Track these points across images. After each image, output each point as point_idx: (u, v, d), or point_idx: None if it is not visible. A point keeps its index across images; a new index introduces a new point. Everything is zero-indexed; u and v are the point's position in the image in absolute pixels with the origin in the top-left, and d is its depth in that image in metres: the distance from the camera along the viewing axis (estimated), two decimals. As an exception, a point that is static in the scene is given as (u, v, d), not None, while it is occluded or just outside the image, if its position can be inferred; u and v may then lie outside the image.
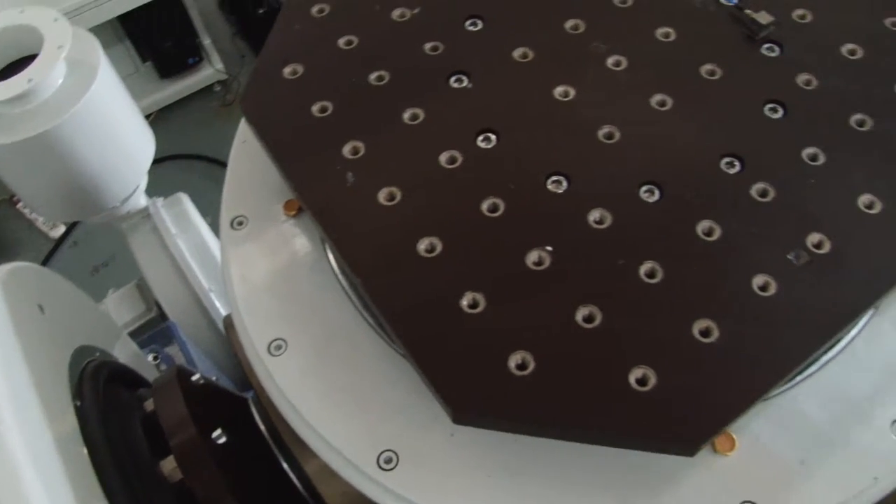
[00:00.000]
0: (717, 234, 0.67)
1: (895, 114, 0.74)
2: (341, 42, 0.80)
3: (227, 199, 0.82)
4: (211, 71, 3.10)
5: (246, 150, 0.84)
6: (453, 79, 0.77)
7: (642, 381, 0.60)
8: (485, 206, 0.68)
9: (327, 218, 0.69)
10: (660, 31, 0.80)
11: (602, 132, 0.72)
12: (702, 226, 0.67)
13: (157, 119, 3.05)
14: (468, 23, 0.81)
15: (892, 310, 0.72)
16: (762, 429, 0.67)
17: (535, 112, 0.74)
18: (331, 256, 0.76)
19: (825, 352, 0.70)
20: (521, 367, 0.61)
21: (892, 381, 0.69)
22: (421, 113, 0.74)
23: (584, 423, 0.60)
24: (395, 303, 0.65)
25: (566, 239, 0.66)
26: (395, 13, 0.82)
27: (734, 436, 0.66)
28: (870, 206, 0.68)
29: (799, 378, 0.69)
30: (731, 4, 0.81)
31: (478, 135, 0.73)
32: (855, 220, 0.68)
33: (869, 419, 0.68)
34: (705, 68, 0.77)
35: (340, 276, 0.75)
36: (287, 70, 0.78)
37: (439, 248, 0.66)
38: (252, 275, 0.77)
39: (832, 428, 0.67)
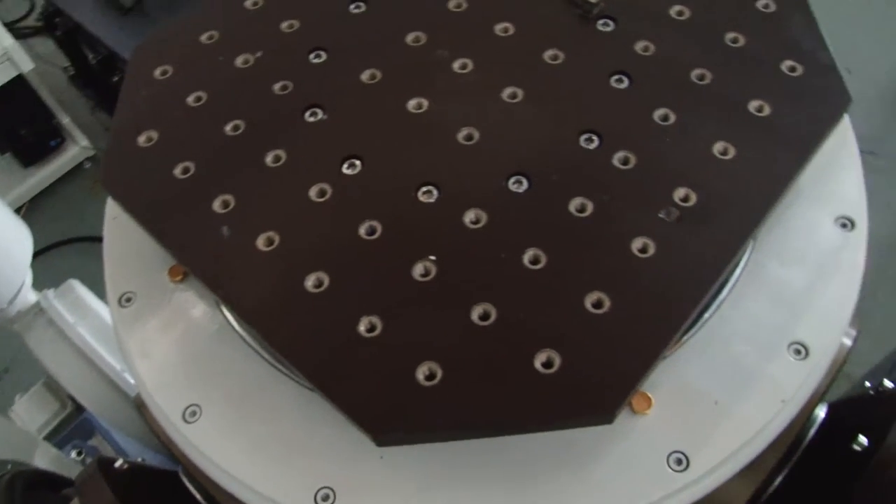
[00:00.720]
0: (590, 208, 0.69)
1: (730, 63, 0.78)
2: (190, 100, 0.80)
3: (109, 278, 0.80)
4: (76, 149, 3.03)
5: (119, 225, 0.83)
6: (308, 114, 0.77)
7: (548, 364, 0.62)
8: (362, 230, 0.69)
9: (212, 276, 0.69)
10: (498, 28, 0.82)
11: (461, 135, 0.74)
12: (574, 204, 0.69)
13: (29, 210, 2.96)
14: (312, 56, 0.82)
15: (769, 243, 0.76)
16: (673, 381, 0.70)
17: (394, 129, 0.75)
18: (227, 313, 0.75)
19: (715, 296, 0.73)
20: (430, 377, 0.62)
21: (781, 310, 0.73)
22: (283, 154, 0.74)
23: (501, 418, 0.61)
24: (296, 344, 0.65)
25: (447, 245, 0.68)
26: (239, 61, 0.82)
27: (649, 394, 0.69)
28: (724, 153, 0.72)
29: (696, 327, 0.72)
30: (559, -11, 0.84)
31: (342, 163, 0.73)
32: (714, 168, 0.71)
33: (767, 348, 0.71)
34: (548, 54, 0.79)
35: (241, 330, 0.75)
36: (141, 139, 0.78)
37: (326, 281, 0.67)
38: (152, 348, 0.76)
39: (735, 364, 0.70)
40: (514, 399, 0.61)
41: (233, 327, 0.75)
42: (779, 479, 0.83)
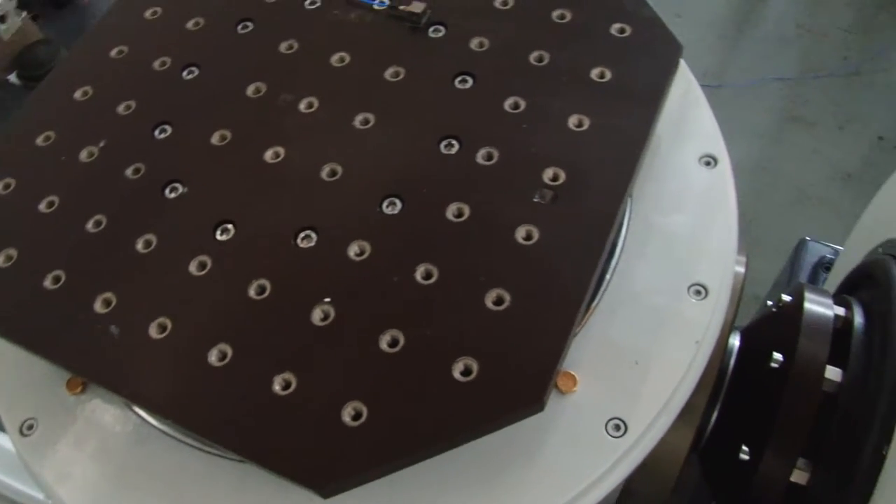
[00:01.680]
0: (467, 211, 0.70)
1: (563, 39, 0.80)
2: (42, 207, 0.77)
3: (3, 409, 0.77)
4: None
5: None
6: (168, 190, 0.75)
7: (467, 372, 0.62)
8: (252, 291, 0.68)
9: (112, 379, 0.67)
10: (334, 59, 0.82)
11: (325, 173, 0.74)
12: (451, 211, 0.70)
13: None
14: (157, 132, 0.80)
15: (644, 196, 0.78)
16: (591, 352, 0.71)
17: (257, 184, 0.74)
18: (140, 411, 0.73)
19: (608, 260, 0.75)
20: (356, 417, 0.61)
21: (672, 257, 0.75)
22: (153, 237, 0.72)
23: (437, 437, 0.61)
24: (216, 423, 0.63)
25: (338, 284, 0.67)
26: (83, 155, 0.80)
27: (572, 372, 0.70)
28: (580, 125, 0.74)
29: (598, 294, 0.74)
30: (384, 7, 0.85)
31: (215, 230, 0.72)
32: (574, 141, 0.73)
33: (669, 296, 0.73)
34: (389, 73, 0.80)
35: (160, 424, 0.72)
36: (0, 259, 0.74)
37: (230, 351, 0.65)
38: (70, 470, 0.73)
39: (644, 319, 0.72)
40: (443, 415, 0.61)
41: (150, 424, 0.73)
42: (714, 416, 0.86)
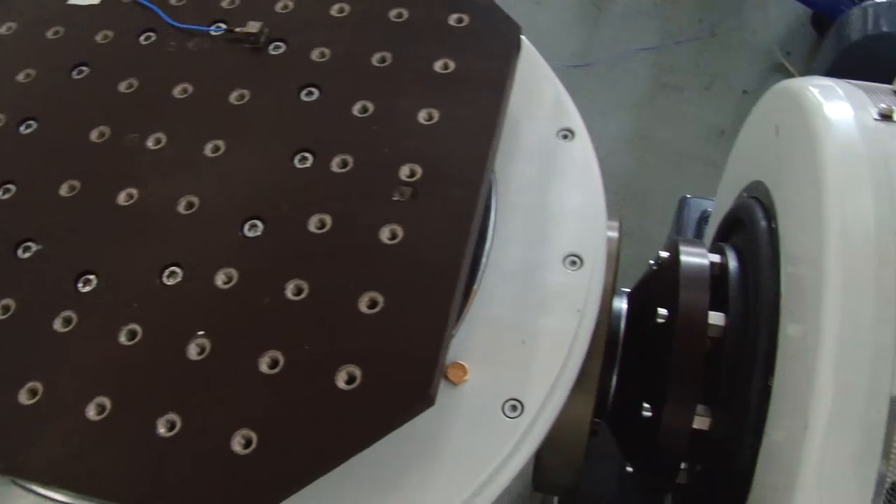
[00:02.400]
0: (329, 221, 0.69)
1: (403, 37, 0.80)
2: None
3: None
4: None
5: None
6: (21, 250, 0.72)
7: (351, 380, 0.62)
8: (123, 338, 0.66)
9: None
10: (177, 91, 0.81)
11: (181, 206, 0.72)
12: (313, 223, 0.69)
13: None
14: (1, 193, 0.77)
15: (508, 177, 0.79)
16: (477, 340, 0.71)
17: (114, 230, 0.72)
18: (23, 483, 0.70)
19: (480, 244, 0.75)
20: (247, 444, 0.60)
21: (543, 232, 0.76)
22: (10, 302, 0.69)
23: (330, 449, 0.60)
24: (109, 479, 0.61)
25: (210, 315, 0.66)
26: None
27: (461, 362, 0.70)
28: (430, 118, 0.74)
29: (476, 280, 0.74)
30: (221, 32, 0.84)
31: (76, 283, 0.69)
32: (427, 135, 0.73)
33: (545, 271, 0.74)
34: (234, 96, 0.79)
35: (49, 493, 0.69)
36: None
37: (108, 403, 0.63)
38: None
39: (524, 297, 0.73)
40: (333, 426, 0.61)
41: (39, 494, 0.70)
42: (614, 380, 0.88)
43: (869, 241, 0.66)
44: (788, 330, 0.73)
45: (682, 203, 1.54)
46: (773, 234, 0.81)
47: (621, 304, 0.90)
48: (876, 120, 0.73)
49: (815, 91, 0.79)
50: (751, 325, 0.79)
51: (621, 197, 2.41)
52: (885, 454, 0.63)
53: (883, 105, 0.74)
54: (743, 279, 0.84)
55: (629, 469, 0.91)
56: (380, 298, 0.65)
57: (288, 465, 0.60)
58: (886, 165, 0.69)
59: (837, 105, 0.76)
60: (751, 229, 0.85)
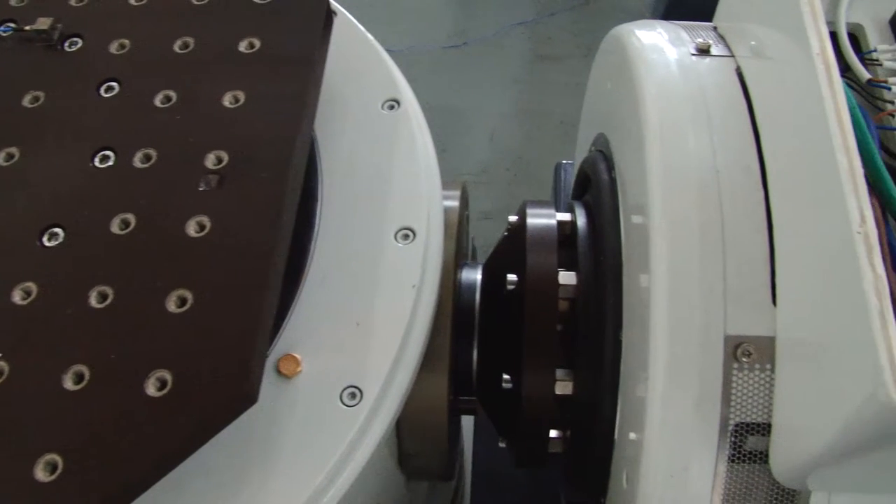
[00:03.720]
0: (133, 220, 0.65)
1: (204, 19, 0.76)
2: None
3: None
4: None
5: None
6: None
7: (162, 385, 0.58)
8: None
9: None
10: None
11: None
12: (115, 224, 0.65)
13: None
14: None
15: (332, 154, 0.76)
16: (309, 329, 0.68)
17: None
18: None
19: (305, 227, 0.71)
20: (53, 470, 0.55)
21: (372, 205, 0.73)
22: None
23: (145, 463, 0.56)
24: None
25: (5, 335, 0.61)
26: None
27: (293, 354, 0.67)
28: (236, 101, 0.70)
29: (307, 264, 0.70)
30: (9, 32, 0.78)
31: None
32: (233, 119, 0.69)
33: (375, 247, 0.71)
34: (27, 99, 0.73)
35: None
36: None
37: None
38: None
39: (355, 278, 0.70)
40: (147, 439, 0.56)
41: None
42: (475, 355, 0.85)
43: (690, 181, 0.65)
44: (629, 281, 0.71)
45: (558, 169, 1.53)
46: (613, 185, 0.79)
47: (476, 276, 0.88)
48: (693, 55, 0.71)
49: (636, 34, 0.77)
50: (600, 280, 0.77)
51: (513, 173, 2.41)
52: (725, 396, 0.62)
53: (700, 40, 0.73)
54: (591, 235, 0.82)
55: (501, 445, 0.88)
56: (189, 296, 0.61)
57: (98, 488, 0.55)
58: (704, 101, 0.68)
59: (657, 45, 0.74)
60: (594, 183, 0.83)
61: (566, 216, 0.86)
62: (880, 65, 0.68)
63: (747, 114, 0.67)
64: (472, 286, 0.86)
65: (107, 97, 0.73)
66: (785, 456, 0.60)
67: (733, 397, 0.61)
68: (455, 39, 2.62)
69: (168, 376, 0.58)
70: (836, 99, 0.53)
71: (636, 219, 0.70)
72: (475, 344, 0.84)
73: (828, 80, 0.54)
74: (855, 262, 0.50)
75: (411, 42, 2.58)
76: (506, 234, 0.90)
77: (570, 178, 1.50)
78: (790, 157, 0.61)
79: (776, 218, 0.62)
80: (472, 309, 0.85)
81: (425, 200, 0.74)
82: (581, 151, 1.04)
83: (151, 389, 0.58)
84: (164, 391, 0.57)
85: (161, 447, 0.56)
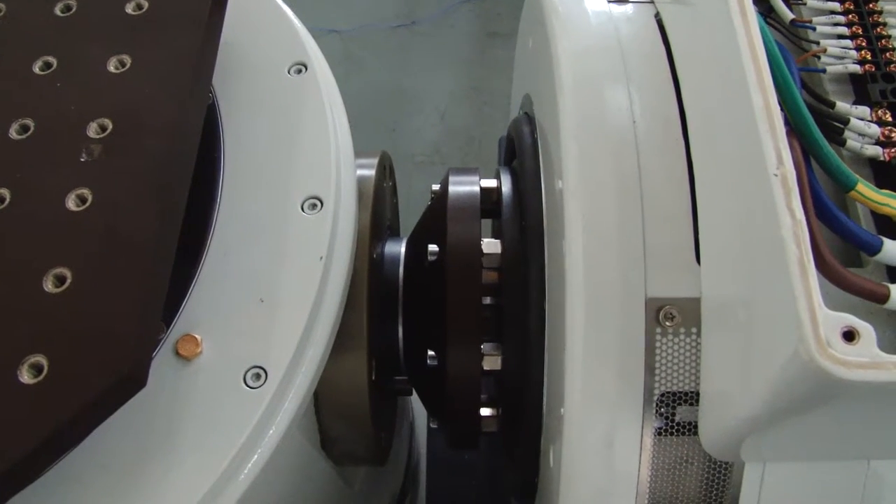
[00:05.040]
0: (8, 196, 0.60)
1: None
2: None
3: None
4: None
5: None
6: None
7: (37, 371, 0.53)
8: None
9: None
10: None
11: None
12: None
13: None
14: None
15: (238, 122, 0.71)
16: (209, 307, 0.63)
17: None
18: None
19: (209, 201, 0.67)
20: None
21: (277, 173, 0.69)
22: None
23: (17, 458, 0.51)
24: None
25: None
26: None
27: (193, 334, 0.62)
28: (122, 65, 0.66)
29: (208, 239, 0.66)
30: None
31: None
32: (118, 85, 0.64)
33: (279, 217, 0.67)
34: None
35: None
36: None
37: None
38: None
39: (258, 252, 0.65)
40: (21, 433, 0.52)
41: None
42: (400, 332, 0.81)
43: (607, 136, 0.61)
44: (550, 246, 0.67)
45: (501, 142, 1.48)
46: (535, 147, 0.75)
47: (399, 249, 0.84)
48: (611, 2, 0.67)
49: (555, -14, 0.73)
50: (523, 248, 0.73)
51: (465, 152, 2.37)
52: (649, 364, 0.58)
53: (617, -12, 0.69)
54: (516, 201, 0.78)
55: (433, 426, 0.85)
56: (67, 274, 0.56)
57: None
58: (620, 50, 0.64)
59: (574, -3, 0.70)
60: (517, 145, 0.79)
61: (491, 182, 0.82)
62: (804, 4, 0.64)
63: (667, 63, 0.63)
64: (394, 260, 0.82)
65: (-23, 67, 0.67)
66: (714, 426, 0.56)
67: (657, 365, 0.58)
68: (403, 18, 2.56)
69: (44, 361, 0.53)
70: (750, 34, 0.49)
71: (554, 179, 0.66)
72: (400, 321, 0.80)
73: (741, 14, 0.50)
74: (773, 208, 0.46)
75: (360, 22, 2.52)
76: (429, 203, 0.86)
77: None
78: (709, 105, 0.57)
79: (697, 171, 0.59)
80: (395, 284, 0.81)
81: (333, 168, 0.69)
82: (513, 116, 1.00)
83: (25, 376, 0.53)
84: (40, 378, 0.53)
85: (37, 437, 0.51)
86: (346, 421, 0.75)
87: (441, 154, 2.34)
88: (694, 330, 0.57)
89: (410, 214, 0.95)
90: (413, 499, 1.31)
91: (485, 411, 0.79)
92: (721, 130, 0.55)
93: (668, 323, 0.57)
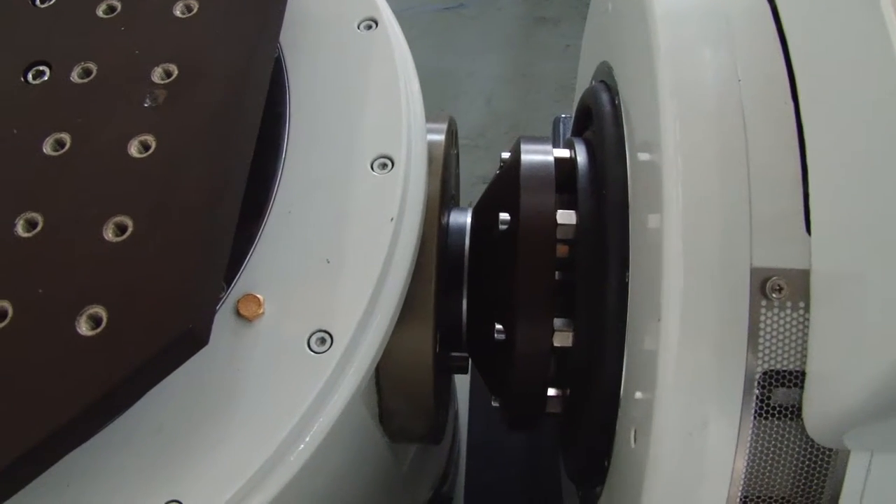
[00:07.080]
0: (69, 140, 0.57)
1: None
2: None
3: None
4: None
5: None
6: None
7: (96, 323, 0.50)
8: None
9: None
10: None
11: None
12: (48, 145, 0.57)
13: None
14: None
15: (306, 76, 0.68)
16: (273, 267, 0.60)
17: None
18: None
19: (268, 154, 0.63)
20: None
21: (348, 130, 0.65)
22: None
23: (73, 412, 0.48)
24: None
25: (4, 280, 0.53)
26: None
27: (255, 294, 0.58)
28: (189, 9, 0.62)
29: (271, 195, 0.62)
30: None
31: None
32: (183, 30, 0.62)
33: (349, 175, 0.63)
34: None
35: None
36: None
37: None
38: None
39: (326, 210, 0.62)
40: (78, 387, 0.48)
41: None
42: (465, 303, 0.77)
43: (708, 94, 0.56)
44: (637, 216, 0.63)
45: (556, 123, 1.44)
46: (616, 114, 0.71)
47: (465, 219, 0.79)
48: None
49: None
50: (601, 220, 0.68)
51: (510, 136, 2.32)
52: (752, 340, 0.53)
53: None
54: (593, 172, 0.73)
55: (495, 404, 0.80)
56: (129, 223, 0.53)
57: (19, 440, 0.47)
58: (719, 6, 0.59)
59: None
60: (596, 114, 0.75)
61: (565, 152, 0.78)
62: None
63: (772, 19, 0.58)
64: (461, 229, 0.78)
65: (42, 7, 0.64)
66: (821, 409, 0.51)
67: (761, 341, 0.53)
68: (451, 1, 2.53)
69: (103, 313, 0.50)
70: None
71: (645, 147, 0.61)
72: (465, 292, 0.76)
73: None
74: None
75: (407, 4, 2.49)
76: (498, 172, 0.81)
77: (568, 131, 1.42)
78: (826, 59, 0.53)
79: (809, 134, 0.54)
80: (461, 254, 0.77)
81: (405, 128, 0.65)
82: (581, 89, 0.95)
83: (84, 328, 0.49)
84: (98, 330, 0.49)
85: (92, 395, 0.48)
86: (408, 395, 0.71)
87: (486, 138, 2.30)
88: (802, 304, 0.52)
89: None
90: (452, 485, 1.28)
91: (550, 391, 0.75)
92: (842, 86, 0.50)
93: (774, 295, 0.52)
